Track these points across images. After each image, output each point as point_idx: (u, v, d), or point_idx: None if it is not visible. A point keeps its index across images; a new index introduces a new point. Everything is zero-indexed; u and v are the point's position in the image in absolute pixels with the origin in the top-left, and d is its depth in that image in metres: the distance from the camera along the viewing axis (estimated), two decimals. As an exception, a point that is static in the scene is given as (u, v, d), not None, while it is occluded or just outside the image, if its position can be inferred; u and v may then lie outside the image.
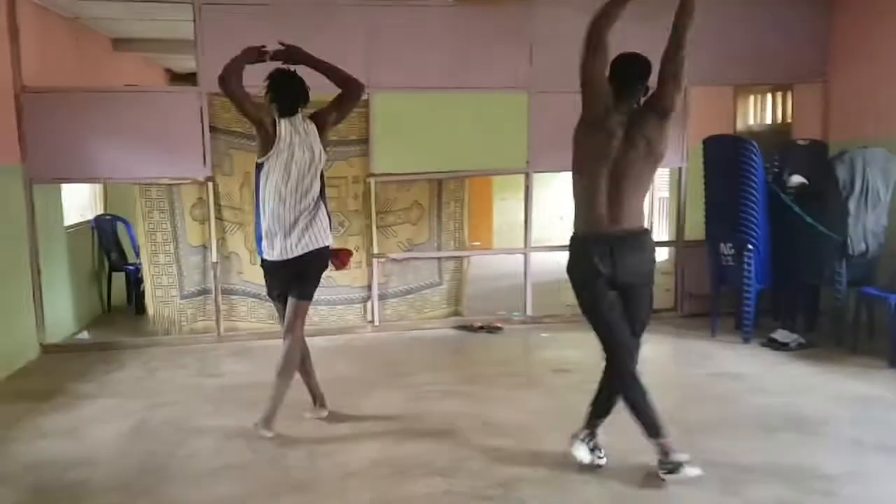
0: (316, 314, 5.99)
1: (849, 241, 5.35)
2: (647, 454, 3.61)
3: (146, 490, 3.39)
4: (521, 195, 6.44)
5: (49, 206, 5.99)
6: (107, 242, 7.09)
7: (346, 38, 5.84)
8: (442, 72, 6.09)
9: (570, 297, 7.77)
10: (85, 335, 6.30)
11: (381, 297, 6.32)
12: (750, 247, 5.55)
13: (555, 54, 6.16)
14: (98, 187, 7.49)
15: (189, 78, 6.01)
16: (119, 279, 7.19)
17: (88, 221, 7.11)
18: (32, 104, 5.53)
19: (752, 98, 7.68)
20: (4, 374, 5.14)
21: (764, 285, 5.73)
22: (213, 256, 5.96)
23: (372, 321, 6.29)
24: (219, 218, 5.97)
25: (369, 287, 6.26)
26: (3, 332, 5.21)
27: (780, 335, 5.54)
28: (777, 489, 3.27)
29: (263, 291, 4.28)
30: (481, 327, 6.26)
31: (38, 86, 5.60)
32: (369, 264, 6.23)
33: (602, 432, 3.54)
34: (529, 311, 6.48)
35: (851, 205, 5.32)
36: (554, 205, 9.49)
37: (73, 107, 5.66)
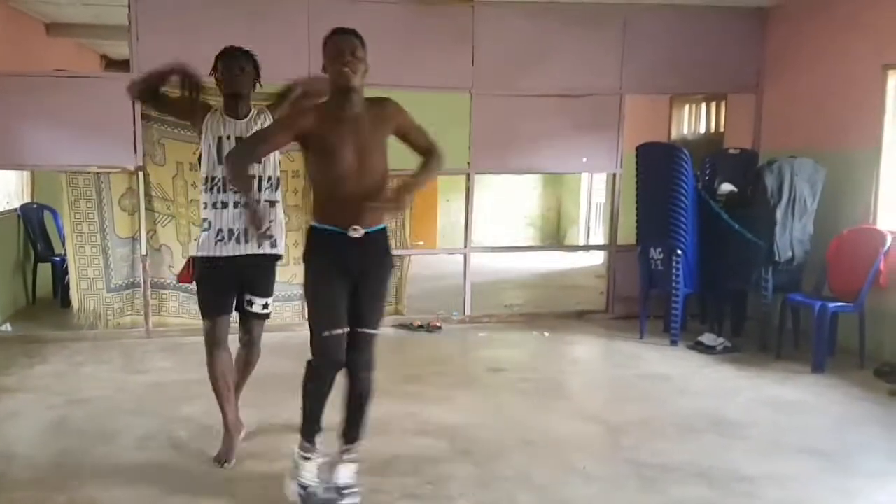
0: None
1: (775, 249, 5.48)
2: (573, 454, 3.67)
3: (63, 486, 3.27)
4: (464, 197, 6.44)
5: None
6: (33, 232, 6.82)
7: (289, 29, 5.76)
8: (385, 69, 6.01)
9: (509, 297, 7.79)
10: (7, 327, 6.03)
11: (320, 295, 6.23)
12: (679, 252, 5.67)
13: (497, 56, 6.20)
14: (26, 174, 7.20)
15: (126, 65, 5.85)
16: (45, 270, 6.92)
17: (15, 209, 6.82)
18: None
19: (687, 107, 7.87)
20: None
21: (692, 290, 5.85)
22: (143, 249, 5.79)
23: (309, 319, 6.20)
24: (149, 209, 5.80)
25: (307, 284, 6.17)
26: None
27: (707, 339, 5.66)
28: (700, 489, 3.34)
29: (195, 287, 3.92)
30: (420, 326, 6.25)
31: (-37, 69, 5.38)
32: (308, 261, 6.14)
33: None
34: (468, 311, 6.49)
35: (779, 213, 5.47)
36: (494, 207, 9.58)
37: (0, 91, 5.44)
